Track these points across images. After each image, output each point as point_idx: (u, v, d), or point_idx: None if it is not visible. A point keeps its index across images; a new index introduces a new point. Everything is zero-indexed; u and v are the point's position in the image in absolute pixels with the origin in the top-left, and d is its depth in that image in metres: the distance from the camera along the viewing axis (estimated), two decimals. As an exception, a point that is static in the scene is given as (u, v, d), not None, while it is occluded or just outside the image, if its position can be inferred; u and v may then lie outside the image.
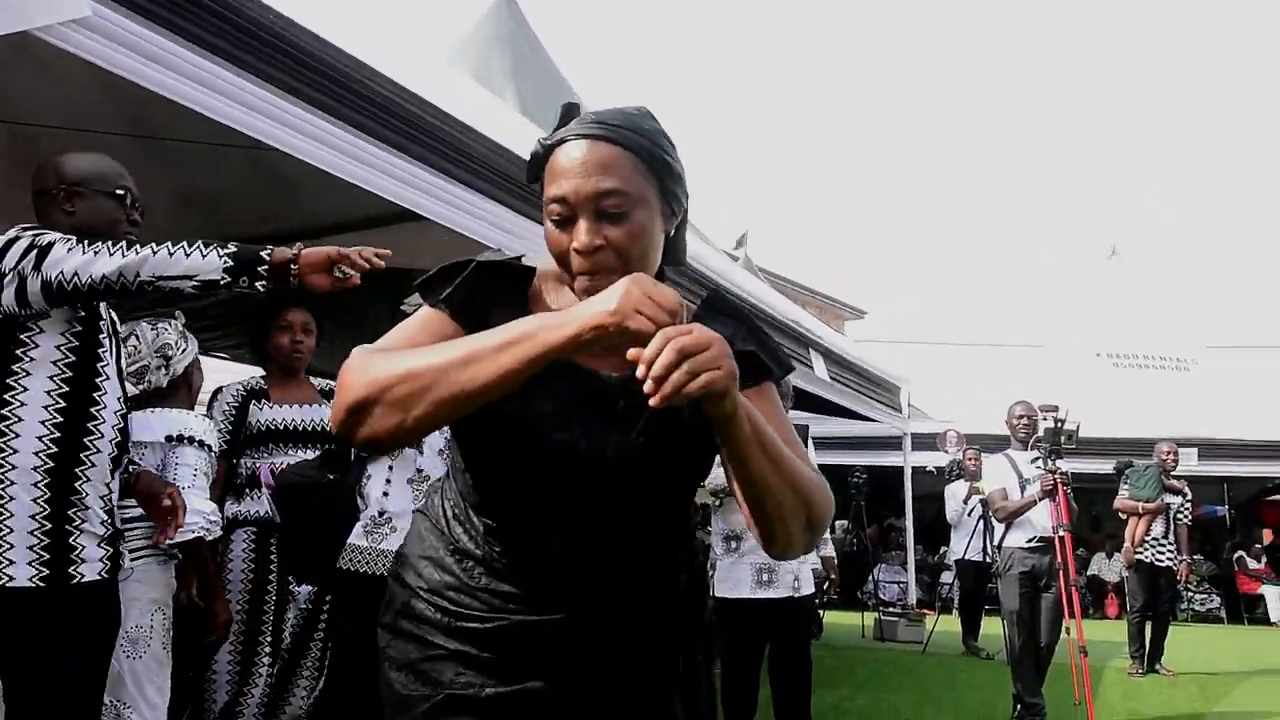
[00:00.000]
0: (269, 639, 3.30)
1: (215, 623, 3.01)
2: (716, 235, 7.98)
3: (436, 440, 3.05)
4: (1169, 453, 7.90)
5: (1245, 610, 13.16)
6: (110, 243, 2.07)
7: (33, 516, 2.05)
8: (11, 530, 2.03)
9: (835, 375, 7.69)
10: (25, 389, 2.08)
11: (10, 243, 2.09)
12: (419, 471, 3.04)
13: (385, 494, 3.00)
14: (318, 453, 3.35)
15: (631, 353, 1.06)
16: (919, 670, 7.45)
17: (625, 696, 1.33)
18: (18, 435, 2.06)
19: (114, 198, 2.31)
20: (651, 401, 1.04)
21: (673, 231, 1.33)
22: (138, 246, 2.04)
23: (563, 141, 1.26)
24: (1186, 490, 7.99)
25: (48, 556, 2.06)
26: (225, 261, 2.03)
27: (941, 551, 12.27)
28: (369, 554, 2.94)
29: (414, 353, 1.16)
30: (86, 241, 2.07)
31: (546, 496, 1.28)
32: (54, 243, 2.07)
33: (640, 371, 1.05)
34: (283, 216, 3.92)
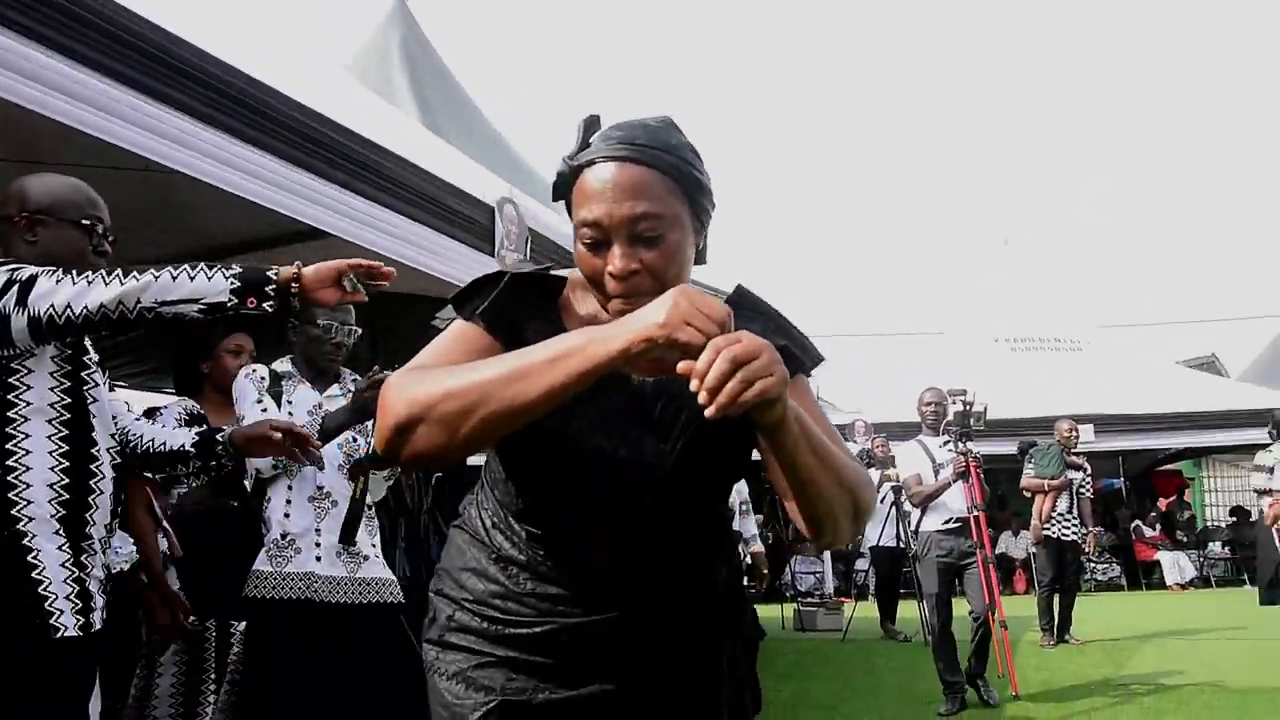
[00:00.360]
0: (213, 673, 3.19)
1: (174, 608, 2.97)
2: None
3: (335, 455, 2.96)
4: (1070, 430, 8.19)
5: (1143, 576, 13.77)
6: (104, 270, 1.93)
7: (62, 565, 1.98)
8: (50, 581, 1.95)
9: (746, 372, 7.75)
10: (28, 435, 1.98)
11: None
12: (320, 489, 2.95)
13: (286, 515, 2.91)
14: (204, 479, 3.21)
15: (682, 365, 1.05)
16: (839, 658, 7.56)
17: (671, 701, 1.33)
18: (29, 485, 1.97)
19: (80, 227, 2.15)
20: (707, 413, 1.03)
21: (701, 243, 1.32)
22: (135, 273, 1.89)
23: (591, 162, 1.23)
24: (1087, 466, 8.30)
25: (81, 604, 1.99)
26: (232, 283, 1.91)
27: (855, 539, 12.51)
28: (275, 579, 2.85)
29: (456, 370, 1.15)
30: (75, 271, 1.93)
31: (591, 508, 1.28)
32: (36, 276, 1.92)
33: (694, 385, 1.03)
34: (182, 238, 3.79)
